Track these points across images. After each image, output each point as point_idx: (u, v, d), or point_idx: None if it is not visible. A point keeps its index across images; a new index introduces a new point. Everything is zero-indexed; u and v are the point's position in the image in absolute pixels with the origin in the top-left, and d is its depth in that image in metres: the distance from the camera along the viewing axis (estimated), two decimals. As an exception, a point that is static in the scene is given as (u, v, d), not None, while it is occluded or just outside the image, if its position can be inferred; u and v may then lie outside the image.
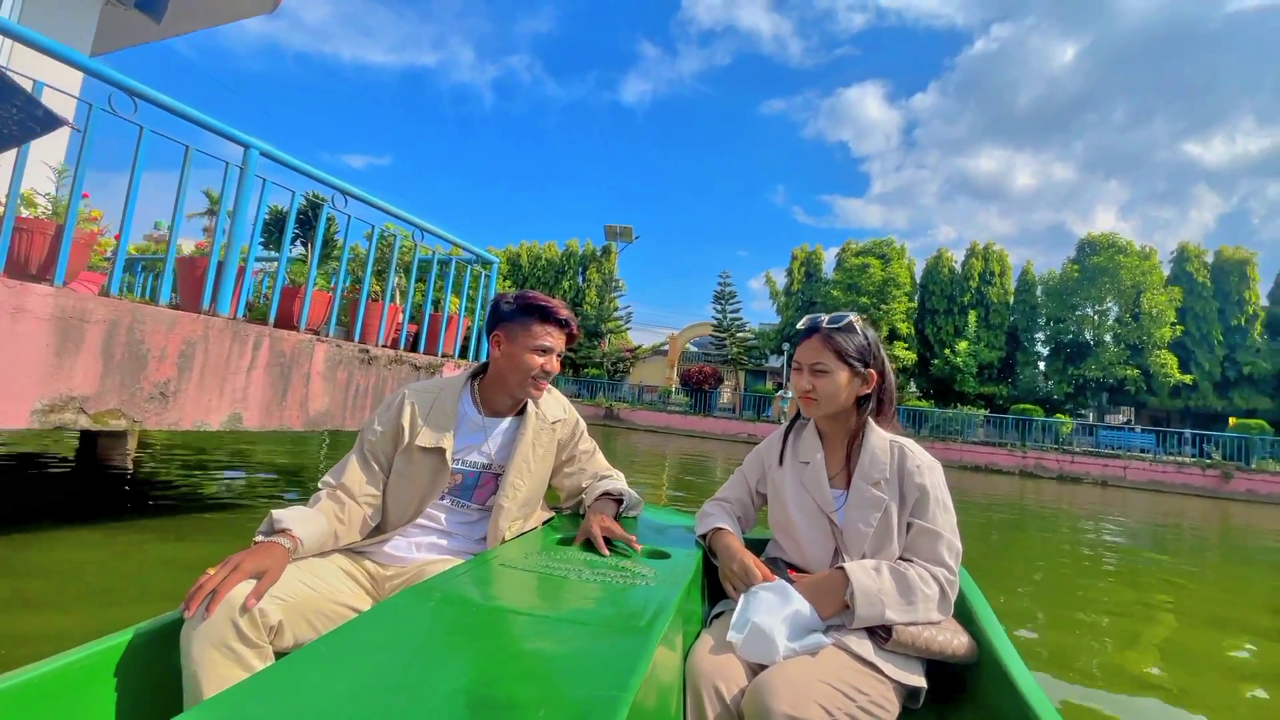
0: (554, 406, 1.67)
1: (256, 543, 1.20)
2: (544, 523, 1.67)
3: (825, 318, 1.46)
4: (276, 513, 1.25)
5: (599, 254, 33.01)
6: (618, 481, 1.74)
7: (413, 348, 5.03)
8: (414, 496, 1.48)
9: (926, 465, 1.37)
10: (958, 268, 29.20)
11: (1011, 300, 28.56)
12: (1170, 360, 24.35)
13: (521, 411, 1.62)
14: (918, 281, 29.52)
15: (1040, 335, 28.10)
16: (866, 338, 1.42)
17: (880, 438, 1.40)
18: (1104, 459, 19.87)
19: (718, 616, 1.37)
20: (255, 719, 0.62)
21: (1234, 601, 4.77)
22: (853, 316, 1.44)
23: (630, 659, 0.81)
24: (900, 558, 1.34)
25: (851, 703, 1.09)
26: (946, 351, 27.02)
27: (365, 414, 4.06)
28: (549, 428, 1.62)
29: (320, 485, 1.41)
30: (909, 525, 1.34)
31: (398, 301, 5.05)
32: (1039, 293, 28.06)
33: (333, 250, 4.03)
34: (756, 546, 1.51)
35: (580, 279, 33.10)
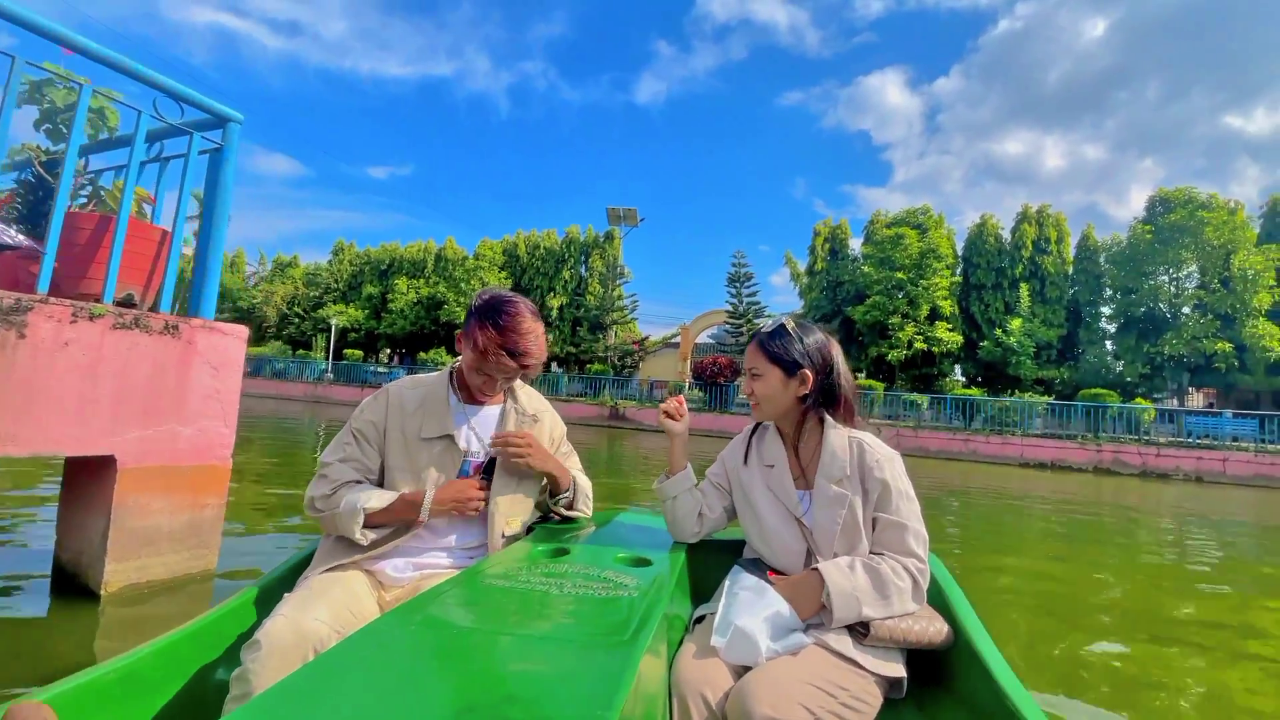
0: (533, 400, 1.68)
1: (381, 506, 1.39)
2: (529, 532, 1.64)
3: (766, 324, 1.50)
4: (365, 495, 1.39)
5: (601, 240, 30.29)
6: (580, 481, 1.74)
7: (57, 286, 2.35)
8: (421, 488, 1.48)
9: (885, 458, 1.36)
10: (1005, 235, 25.79)
11: (1070, 270, 25.08)
12: (1270, 330, 20.68)
13: (505, 400, 1.64)
14: (959, 254, 26.16)
15: (1106, 309, 24.59)
16: (801, 340, 1.42)
17: (839, 435, 1.40)
18: (1197, 451, 16.66)
19: (699, 620, 1.37)
20: None
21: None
22: (785, 319, 1.45)
23: (615, 676, 0.80)
24: (871, 552, 1.33)
25: (833, 699, 1.10)
26: (998, 331, 23.68)
27: None
28: (529, 419, 1.63)
29: (326, 479, 1.43)
30: (875, 520, 1.34)
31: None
32: (1103, 260, 24.52)
33: None
34: (736, 547, 1.56)
35: (583, 268, 30.44)
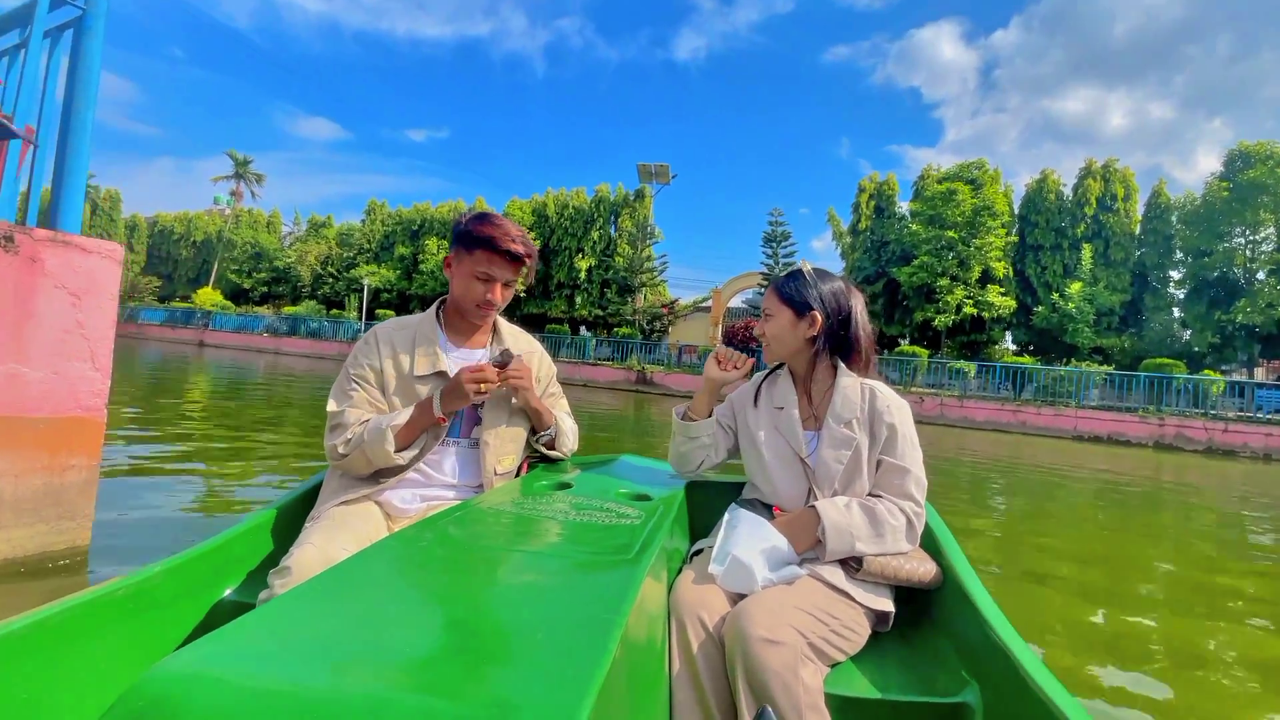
0: (520, 339, 1.69)
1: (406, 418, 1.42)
2: (528, 469, 1.69)
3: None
4: (382, 421, 1.41)
5: (631, 198, 29.19)
6: (564, 423, 1.73)
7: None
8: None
9: (895, 405, 1.39)
10: (1067, 193, 23.88)
11: (1137, 231, 23.14)
12: (1361, 297, 18.71)
13: (491, 344, 1.67)
14: (1015, 212, 24.38)
15: (1175, 273, 22.70)
16: (815, 285, 1.44)
17: (852, 380, 1.42)
18: (1268, 427, 15.38)
19: (697, 553, 1.40)
20: (258, 649, 0.62)
21: None
22: (803, 263, 1.48)
23: (620, 587, 0.83)
24: (870, 493, 1.37)
25: (824, 626, 1.14)
26: (1055, 296, 22.07)
27: None
28: (515, 359, 1.60)
29: (343, 425, 1.43)
30: (879, 463, 1.37)
31: None
32: (1175, 220, 22.51)
33: None
34: (735, 488, 1.59)
35: (612, 228, 29.49)
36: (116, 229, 43.20)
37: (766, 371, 1.58)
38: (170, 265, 44.08)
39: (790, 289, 1.44)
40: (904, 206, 25.72)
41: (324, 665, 0.58)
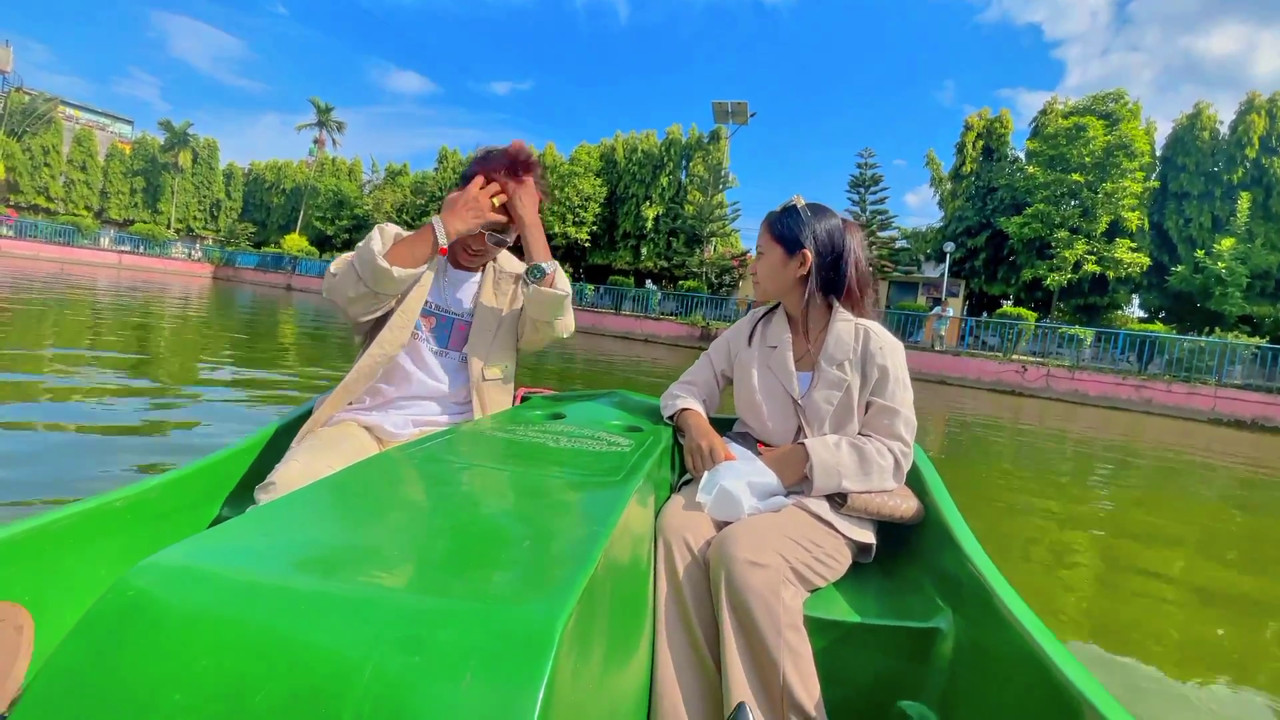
0: (514, 263, 1.73)
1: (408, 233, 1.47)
2: (522, 400, 1.79)
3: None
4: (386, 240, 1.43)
5: (705, 140, 27.23)
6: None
7: None
8: (400, 308, 1.55)
9: (889, 347, 1.41)
10: (1224, 131, 20.11)
11: (1313, 177, 19.29)
12: None
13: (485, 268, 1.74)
14: (1158, 154, 20.86)
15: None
16: (809, 221, 1.43)
17: (846, 321, 1.43)
18: None
19: (686, 483, 1.43)
20: (248, 547, 0.64)
21: None
22: (797, 198, 1.47)
23: (608, 505, 0.87)
24: (860, 432, 1.39)
25: (808, 553, 1.18)
26: (1199, 254, 18.80)
27: None
28: (508, 276, 1.68)
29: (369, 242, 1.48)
30: (868, 404, 1.40)
31: None
32: (1366, 163, 18.57)
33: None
34: (723, 425, 1.60)
35: (683, 173, 27.74)
36: (215, 176, 45.31)
37: (764, 310, 1.58)
38: (264, 212, 46.03)
39: (781, 225, 1.43)
40: (1018, 151, 22.62)
41: (314, 564, 0.60)
